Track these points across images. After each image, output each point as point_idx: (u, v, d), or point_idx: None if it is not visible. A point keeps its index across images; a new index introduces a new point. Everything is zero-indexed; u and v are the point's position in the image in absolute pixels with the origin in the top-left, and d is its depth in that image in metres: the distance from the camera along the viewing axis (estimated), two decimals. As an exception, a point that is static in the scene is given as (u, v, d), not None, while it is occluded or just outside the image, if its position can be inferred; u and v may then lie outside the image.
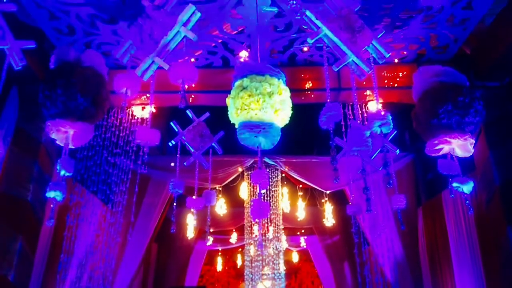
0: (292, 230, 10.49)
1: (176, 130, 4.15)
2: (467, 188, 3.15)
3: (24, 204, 4.09)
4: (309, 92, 4.85)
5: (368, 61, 2.71)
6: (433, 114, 3.10)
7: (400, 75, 4.74)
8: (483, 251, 4.74)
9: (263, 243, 8.08)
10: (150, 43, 2.69)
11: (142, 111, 5.37)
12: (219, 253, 12.90)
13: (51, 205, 2.97)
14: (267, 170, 7.74)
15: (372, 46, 2.71)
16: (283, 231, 8.71)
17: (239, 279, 13.00)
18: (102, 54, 3.57)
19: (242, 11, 3.96)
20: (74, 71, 2.95)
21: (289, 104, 2.55)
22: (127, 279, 6.36)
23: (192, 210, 4.49)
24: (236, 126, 2.55)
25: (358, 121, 3.33)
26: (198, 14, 2.68)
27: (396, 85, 4.74)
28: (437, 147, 3.19)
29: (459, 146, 3.16)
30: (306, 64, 4.79)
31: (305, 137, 7.36)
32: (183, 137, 4.13)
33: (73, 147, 3.10)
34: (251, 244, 8.61)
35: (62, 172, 2.92)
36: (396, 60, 4.75)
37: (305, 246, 11.41)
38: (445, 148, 3.19)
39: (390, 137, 3.25)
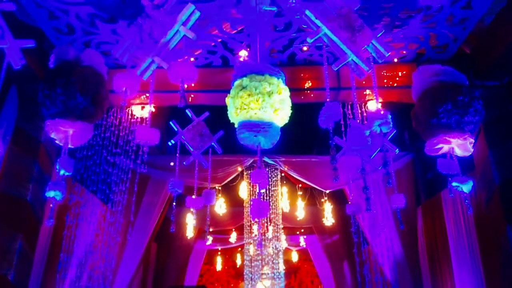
0: (291, 229, 10.49)
1: (176, 129, 4.15)
2: (467, 187, 3.16)
3: (24, 203, 4.09)
4: (308, 91, 4.84)
5: (367, 60, 2.71)
6: (433, 113, 3.10)
7: (400, 75, 4.74)
8: (483, 251, 4.74)
9: (263, 243, 8.08)
10: (150, 42, 2.69)
11: (141, 111, 5.37)
12: (219, 253, 12.89)
13: (51, 205, 2.97)
14: (267, 169, 7.74)
15: (372, 46, 2.71)
16: (282, 230, 8.71)
17: (238, 278, 13.00)
18: (101, 53, 3.57)
19: (241, 11, 3.96)
20: (74, 70, 2.95)
21: (288, 103, 2.55)
22: (126, 279, 6.36)
23: (191, 209, 4.50)
24: (236, 126, 2.55)
25: (358, 121, 3.34)
26: (198, 13, 2.68)
27: (395, 84, 4.74)
28: (436, 147, 3.19)
29: (459, 146, 3.16)
30: (306, 64, 4.79)
31: (305, 137, 7.36)
32: (182, 137, 4.13)
33: (72, 147, 3.10)
34: (251, 243, 8.62)
35: (62, 172, 2.92)
36: (395, 60, 4.75)
37: (304, 246, 11.41)
38: (445, 148, 3.19)
39: (390, 136, 3.26)
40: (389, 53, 2.78)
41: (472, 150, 3.20)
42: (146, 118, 5.02)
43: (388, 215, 6.17)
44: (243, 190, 8.29)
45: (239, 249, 11.94)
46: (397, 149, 3.31)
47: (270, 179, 8.05)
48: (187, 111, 4.24)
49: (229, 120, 2.61)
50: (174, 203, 4.16)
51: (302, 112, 4.21)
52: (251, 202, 2.61)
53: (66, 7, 3.85)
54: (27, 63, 2.77)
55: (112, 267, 5.62)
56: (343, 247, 8.98)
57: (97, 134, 5.02)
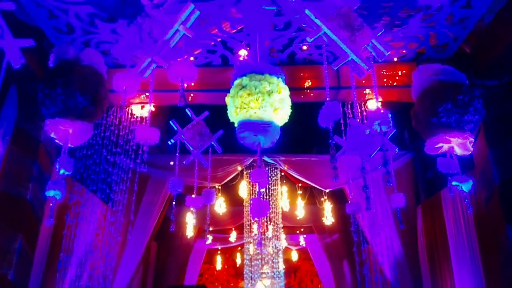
0: (291, 228, 10.50)
1: (176, 129, 4.15)
2: (466, 186, 3.16)
3: (24, 203, 4.08)
4: (308, 90, 4.84)
5: (367, 59, 2.71)
6: (433, 112, 3.10)
7: (400, 74, 4.74)
8: (482, 250, 4.75)
9: (263, 242, 8.09)
10: (150, 41, 2.69)
11: (141, 110, 5.37)
12: (219, 252, 12.90)
13: (51, 204, 2.97)
14: (267, 168, 7.74)
15: (372, 45, 2.71)
16: (282, 229, 8.72)
17: (238, 277, 13.01)
18: (101, 52, 3.57)
19: (241, 10, 3.96)
20: (73, 69, 2.95)
21: (288, 102, 2.55)
22: (126, 278, 6.37)
23: (191, 208, 4.50)
24: (236, 125, 2.55)
25: (358, 120, 3.34)
26: (197, 12, 2.68)
27: (395, 83, 4.74)
28: (436, 146, 3.20)
29: (459, 145, 3.16)
30: (306, 63, 4.79)
31: (305, 136, 7.36)
32: (182, 136, 4.13)
33: (72, 146, 3.10)
34: (251, 242, 8.62)
35: (62, 171, 2.92)
36: (395, 59, 4.75)
37: (304, 245, 11.41)
38: (445, 147, 3.19)
39: (390, 135, 3.26)
40: (389, 52, 2.78)
41: (472, 149, 3.20)
42: (146, 117, 5.03)
43: (388, 214, 6.17)
44: (243, 189, 8.29)
45: (239, 248, 11.94)
46: (397, 148, 3.32)
47: (270, 178, 8.06)
48: (187, 110, 4.24)
49: (229, 119, 2.62)
50: (174, 202, 4.16)
51: (302, 111, 4.21)
52: (251, 201, 2.61)
53: (66, 6, 3.84)
54: (27, 62, 2.77)
55: (112, 267, 5.63)
56: (343, 246, 8.98)
57: (97, 133, 5.01)
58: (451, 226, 5.49)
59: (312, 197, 9.21)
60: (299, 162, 7.28)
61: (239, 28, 4.37)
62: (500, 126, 4.33)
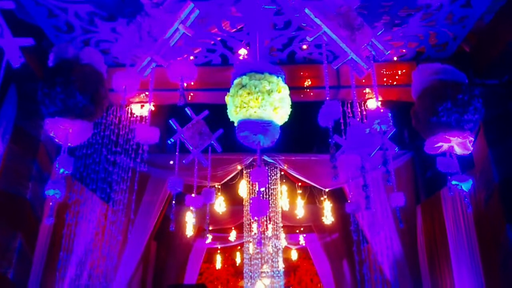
0: (291, 228, 10.50)
1: (175, 128, 4.15)
2: (466, 186, 3.16)
3: (23, 202, 4.08)
4: (308, 90, 4.84)
5: (367, 58, 2.71)
6: (433, 112, 3.10)
7: (399, 73, 4.74)
8: (482, 249, 4.75)
9: (262, 241, 8.09)
10: (149, 40, 2.69)
11: (141, 109, 5.36)
12: (218, 251, 12.91)
13: (50, 203, 2.97)
14: (266, 168, 7.73)
15: (371, 44, 2.71)
16: (282, 229, 8.71)
17: (238, 276, 13.03)
18: (100, 51, 3.57)
19: (241, 9, 3.95)
20: (73, 68, 2.94)
21: (288, 102, 2.55)
22: (126, 277, 6.37)
23: (191, 208, 4.50)
24: (235, 124, 2.55)
25: (358, 119, 3.34)
26: (197, 11, 2.68)
27: (395, 83, 4.74)
28: (436, 145, 3.20)
29: (458, 144, 3.16)
30: (305, 62, 4.79)
31: (304, 135, 7.36)
32: (182, 135, 4.13)
33: (72, 145, 3.10)
34: (250, 242, 8.62)
35: (61, 170, 2.92)
36: (395, 58, 4.74)
37: (304, 244, 11.43)
38: (444, 146, 3.19)
39: (390, 135, 3.26)
40: (389, 52, 2.78)
41: (471, 148, 3.20)
42: (145, 116, 5.04)
43: (388, 213, 6.17)
44: (243, 188, 8.29)
45: (239, 247, 11.95)
46: (397, 148, 3.31)
47: (269, 178, 8.05)
48: (186, 109, 4.24)
49: (229, 119, 2.61)
50: (173, 202, 4.16)
51: (302, 110, 4.21)
52: (251, 201, 2.62)
53: (65, 5, 3.84)
54: (26, 61, 2.76)
55: (112, 266, 5.63)
56: (343, 245, 8.98)
57: (97, 132, 5.01)
58: (451, 226, 5.49)
59: (312, 196, 9.21)
60: (299, 162, 7.28)
61: (239, 27, 4.36)
62: (500, 125, 4.33)
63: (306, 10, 2.64)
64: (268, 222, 8.29)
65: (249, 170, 7.68)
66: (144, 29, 2.70)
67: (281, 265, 8.61)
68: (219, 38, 4.44)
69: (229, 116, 2.59)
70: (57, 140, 3.10)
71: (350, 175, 4.94)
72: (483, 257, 4.74)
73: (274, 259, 8.38)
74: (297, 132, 6.84)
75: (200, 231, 9.63)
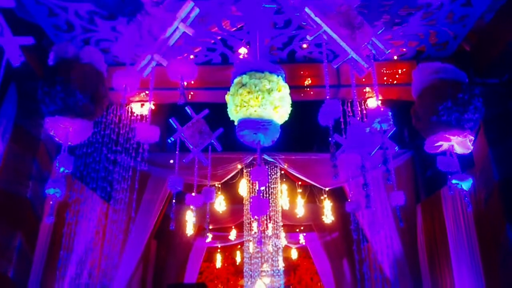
0: (291, 227, 10.51)
1: (175, 127, 4.15)
2: (466, 185, 3.16)
3: (23, 201, 4.09)
4: (308, 89, 4.84)
5: (367, 57, 2.71)
6: (433, 111, 3.10)
7: (400, 72, 4.73)
8: (482, 248, 4.75)
9: (262, 240, 8.10)
10: (149, 39, 2.68)
11: (141, 108, 5.36)
12: (218, 250, 12.92)
13: (51, 202, 2.97)
14: (267, 167, 7.74)
15: (372, 43, 2.71)
16: (282, 228, 8.72)
17: (238, 275, 13.04)
18: (101, 50, 3.56)
19: (241, 8, 3.95)
20: (73, 67, 2.94)
21: (288, 101, 2.55)
22: (126, 276, 6.37)
23: (191, 207, 4.50)
24: (235, 123, 2.55)
25: (358, 118, 3.34)
26: (197, 10, 2.67)
27: (395, 82, 4.73)
28: (436, 144, 3.20)
29: (459, 143, 3.16)
30: (306, 61, 4.78)
31: (305, 134, 7.37)
32: (182, 134, 4.13)
33: (72, 144, 3.10)
34: (250, 241, 8.63)
35: (61, 169, 2.92)
36: (395, 57, 4.74)
37: (304, 243, 11.44)
38: (445, 145, 3.19)
39: (390, 134, 3.26)
40: (389, 51, 2.77)
41: (471, 147, 3.20)
42: (146, 115, 5.04)
43: (388, 212, 6.17)
44: (243, 187, 8.29)
45: (239, 246, 11.97)
46: (397, 147, 3.31)
47: (269, 177, 8.06)
48: (186, 108, 4.24)
49: (229, 118, 2.61)
50: (174, 201, 4.16)
51: (302, 109, 4.21)
52: (251, 200, 2.62)
53: (65, 4, 3.84)
54: (26, 60, 2.76)
55: (112, 264, 5.63)
56: (343, 244, 8.99)
57: (97, 131, 5.01)
58: (451, 225, 5.49)
59: (312, 195, 9.21)
60: (299, 161, 7.28)
61: (239, 26, 4.36)
62: (500, 125, 4.33)
63: (306, 9, 2.63)
64: (268, 221, 8.30)
65: (249, 169, 7.69)
66: (144, 28, 2.70)
67: (281, 264, 8.62)
68: (219, 37, 4.44)
69: (229, 115, 2.59)
70: (57, 139, 3.10)
71: (350, 174, 4.94)
72: (483, 256, 4.74)
73: (274, 258, 8.39)
74: (297, 131, 6.85)
75: (200, 230, 9.63)
